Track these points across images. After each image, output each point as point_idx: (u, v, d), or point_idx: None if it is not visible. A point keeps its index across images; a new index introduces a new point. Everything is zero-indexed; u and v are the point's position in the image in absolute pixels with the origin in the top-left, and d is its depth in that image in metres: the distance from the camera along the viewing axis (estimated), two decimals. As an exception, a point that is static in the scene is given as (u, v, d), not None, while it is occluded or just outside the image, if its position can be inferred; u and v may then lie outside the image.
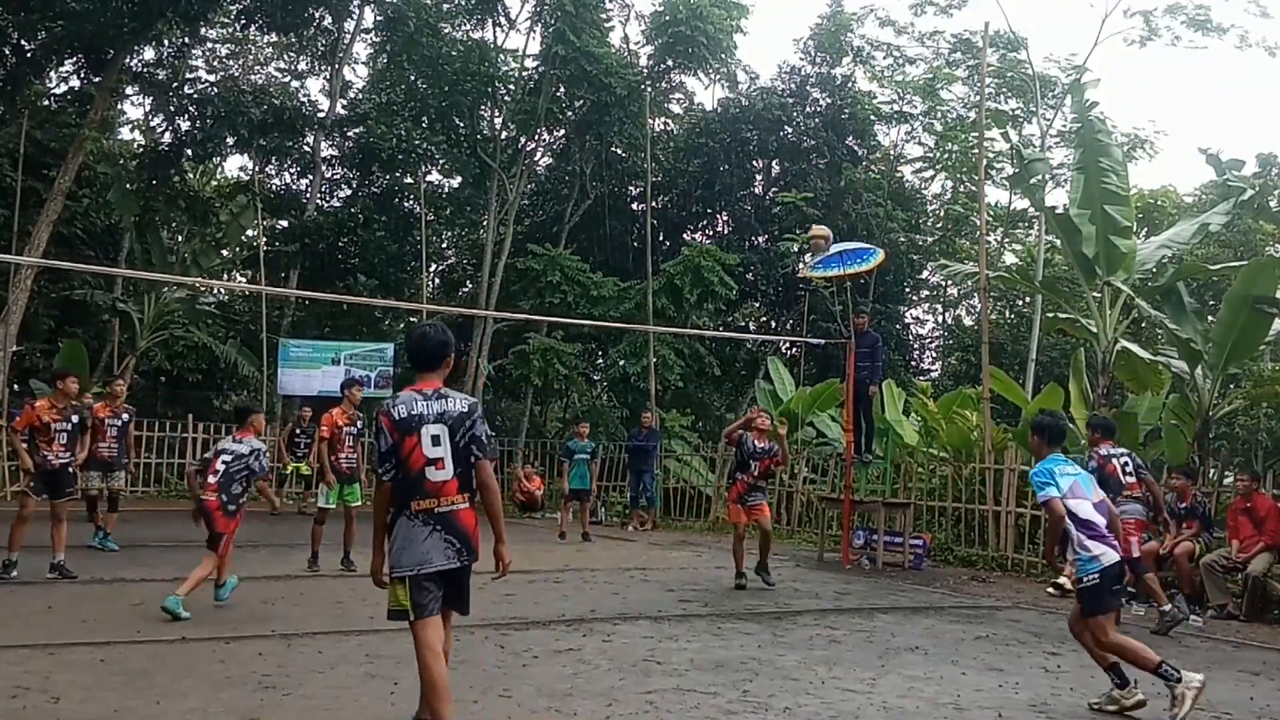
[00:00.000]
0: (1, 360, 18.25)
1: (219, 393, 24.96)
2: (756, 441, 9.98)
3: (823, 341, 17.29)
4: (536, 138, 24.06)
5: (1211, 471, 12.04)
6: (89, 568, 9.32)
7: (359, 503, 10.19)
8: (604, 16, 23.13)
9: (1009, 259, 27.51)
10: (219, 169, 28.37)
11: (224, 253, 25.76)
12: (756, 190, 26.36)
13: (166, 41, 22.04)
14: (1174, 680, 5.48)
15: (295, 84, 27.92)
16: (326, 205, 25.22)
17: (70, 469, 9.28)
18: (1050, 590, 10.57)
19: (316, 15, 22.50)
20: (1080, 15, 73.37)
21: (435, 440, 4.35)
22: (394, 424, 4.37)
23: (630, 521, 16.44)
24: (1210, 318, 14.26)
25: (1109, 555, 5.72)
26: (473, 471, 4.43)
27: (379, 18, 23.57)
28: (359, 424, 10.52)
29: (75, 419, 9.34)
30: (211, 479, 7.69)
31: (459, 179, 26.30)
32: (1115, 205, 12.61)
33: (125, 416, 11.39)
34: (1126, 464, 8.92)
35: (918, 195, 28.02)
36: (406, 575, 4.33)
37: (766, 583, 9.94)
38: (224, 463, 7.71)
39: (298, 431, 16.55)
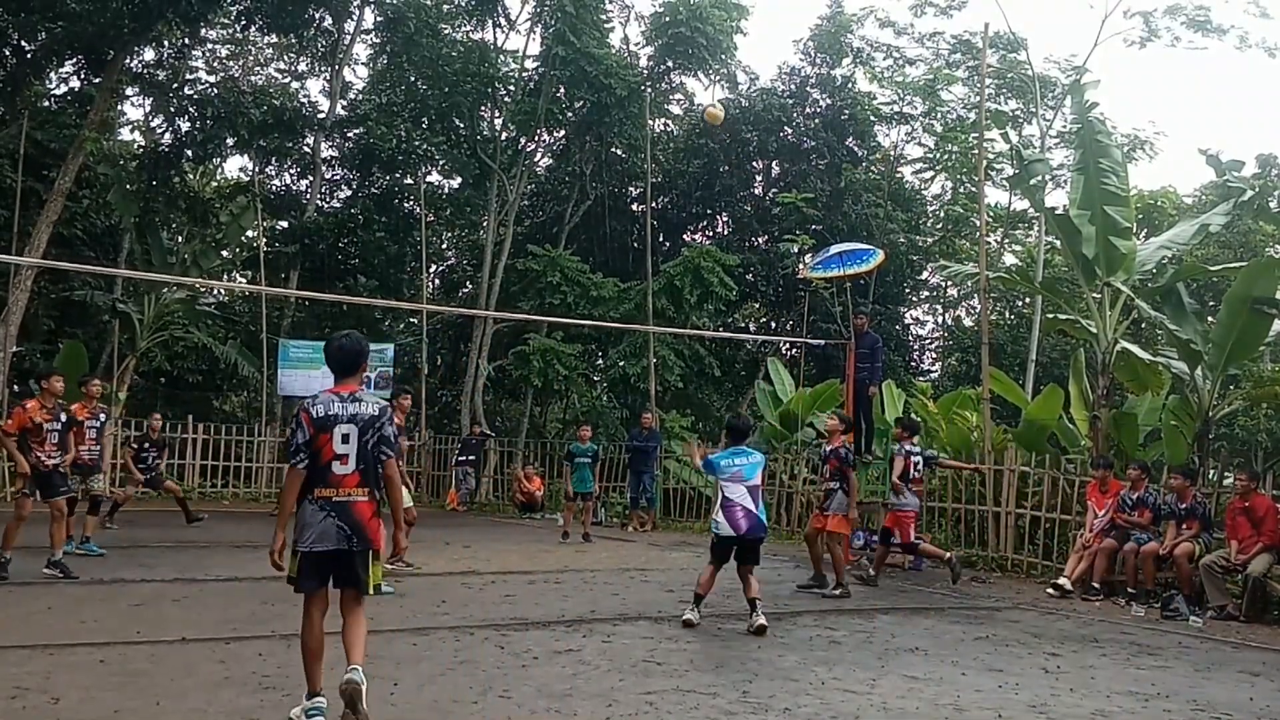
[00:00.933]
0: (1, 360, 18.25)
1: (219, 393, 24.99)
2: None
3: (823, 342, 17.29)
4: (536, 138, 24.08)
5: (1211, 472, 12.03)
6: (89, 568, 9.33)
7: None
8: (604, 17, 23.15)
9: (1009, 260, 27.52)
10: (219, 170, 28.42)
11: (224, 253, 25.77)
12: (756, 191, 26.38)
13: (166, 42, 22.07)
14: (692, 608, 7.84)
15: (295, 85, 27.99)
16: (326, 206, 25.24)
17: (61, 469, 9.25)
18: (1050, 591, 10.57)
19: (316, 16, 22.51)
20: (1080, 16, 73.48)
21: (344, 438, 4.83)
22: (312, 420, 4.83)
23: (630, 522, 16.44)
24: (1210, 318, 14.25)
25: (725, 529, 7.80)
26: (379, 468, 4.92)
27: (379, 18, 23.62)
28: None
29: (64, 418, 9.30)
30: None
31: (459, 180, 26.32)
32: (1115, 206, 12.61)
33: (103, 418, 11.17)
34: (918, 462, 10.85)
35: (918, 196, 28.03)
36: (300, 551, 4.88)
37: (830, 594, 9.79)
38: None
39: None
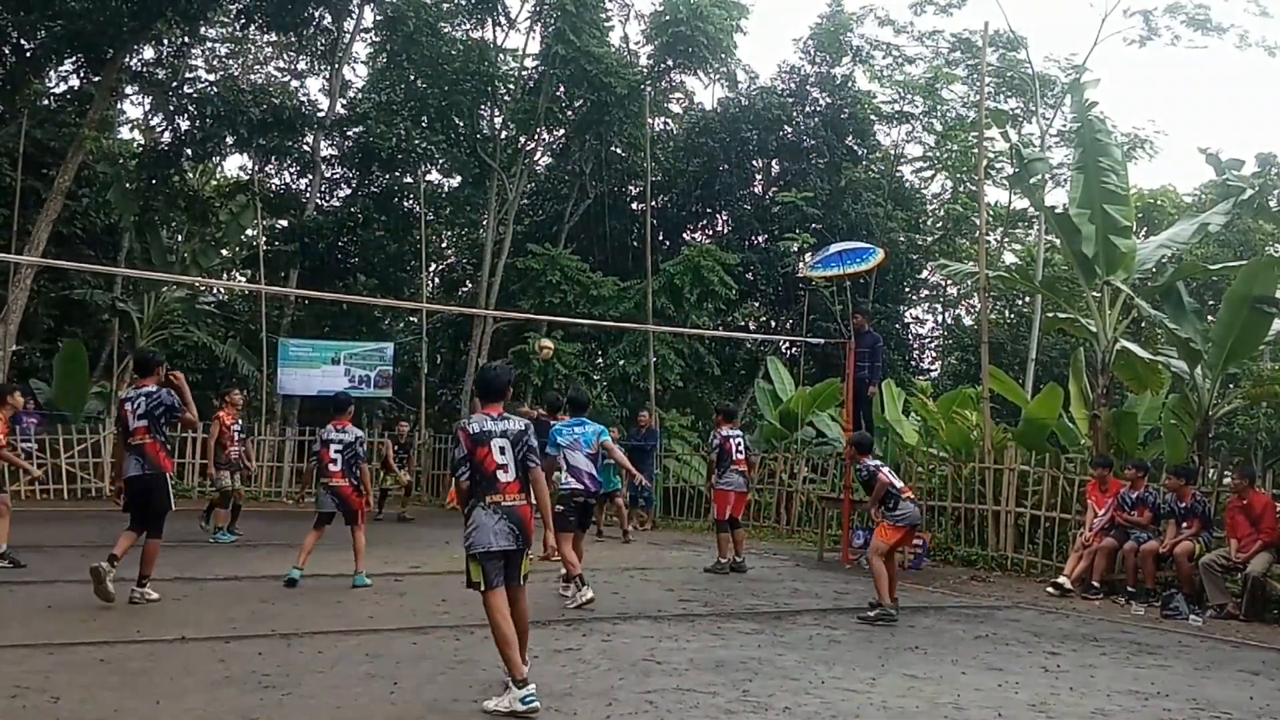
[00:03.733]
0: (1, 360, 18.25)
1: (218, 393, 24.98)
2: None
3: (822, 341, 17.28)
4: (536, 137, 24.08)
5: (1211, 471, 12.02)
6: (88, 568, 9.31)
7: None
8: (604, 16, 23.16)
9: (1009, 259, 27.54)
10: (218, 168, 28.42)
11: (224, 252, 25.80)
12: (756, 190, 26.37)
13: (166, 41, 22.05)
14: (577, 587, 8.30)
15: (295, 83, 28.00)
16: (326, 205, 25.23)
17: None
18: (1050, 590, 10.58)
19: (316, 15, 22.50)
20: (1080, 15, 73.44)
21: (501, 450, 5.46)
22: (470, 438, 5.47)
23: (630, 521, 16.45)
24: (1210, 317, 14.26)
25: (574, 486, 8.72)
26: (529, 475, 5.54)
27: (379, 17, 23.61)
28: None
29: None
30: (334, 467, 9.03)
31: (459, 178, 26.33)
32: (1115, 205, 12.60)
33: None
34: (740, 443, 11.21)
35: (917, 195, 28.04)
36: (478, 554, 5.36)
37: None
38: (337, 451, 9.04)
39: (396, 446, 16.87)
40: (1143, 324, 17.13)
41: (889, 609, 8.30)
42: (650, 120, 23.99)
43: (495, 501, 5.35)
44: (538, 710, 5.06)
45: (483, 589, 5.34)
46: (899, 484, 8.97)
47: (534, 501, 5.54)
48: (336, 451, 9.00)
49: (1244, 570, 9.58)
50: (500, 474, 5.39)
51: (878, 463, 9.27)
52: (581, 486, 8.73)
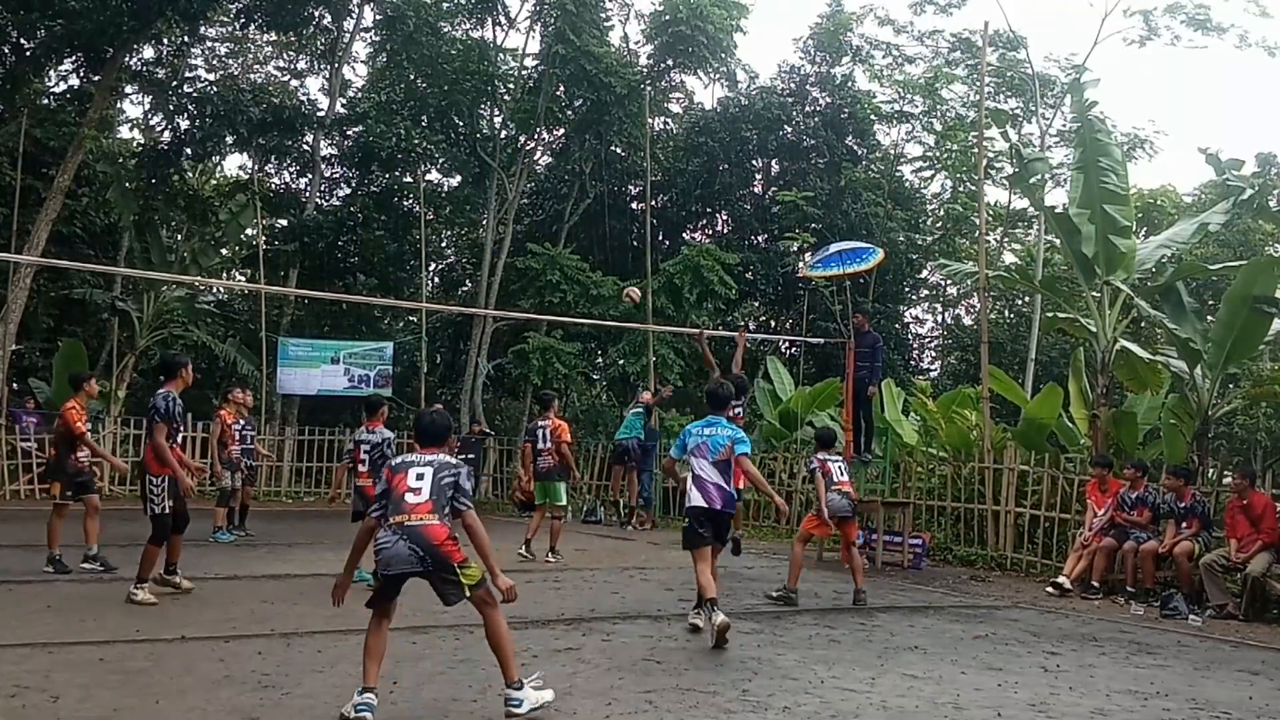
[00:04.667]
0: (1, 360, 18.25)
1: (218, 392, 24.96)
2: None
3: (822, 341, 17.30)
4: (536, 137, 24.07)
5: (1210, 471, 12.03)
6: (87, 567, 9.31)
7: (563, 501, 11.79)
8: (604, 16, 23.15)
9: (1009, 258, 27.55)
10: (218, 168, 28.42)
11: (223, 252, 25.77)
12: (756, 189, 26.37)
13: (166, 40, 22.05)
14: (706, 615, 7.13)
15: (295, 83, 28.01)
16: (326, 204, 25.22)
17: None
18: (1049, 589, 10.58)
19: (316, 14, 22.50)
20: (1080, 15, 73.41)
21: (419, 476, 5.14)
22: (389, 468, 5.25)
23: (629, 521, 16.44)
24: (1210, 317, 14.25)
25: (696, 499, 7.35)
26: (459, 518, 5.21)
27: (378, 17, 23.59)
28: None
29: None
30: (363, 468, 9.13)
31: (458, 178, 26.32)
32: (1115, 205, 12.61)
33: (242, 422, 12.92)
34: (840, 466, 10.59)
35: (917, 195, 28.03)
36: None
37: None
38: (365, 452, 9.22)
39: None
40: (1142, 324, 17.13)
41: (790, 593, 9.06)
42: (650, 120, 23.98)
43: (399, 522, 5.01)
44: None
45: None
46: (841, 477, 9.65)
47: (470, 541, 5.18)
48: (365, 452, 9.24)
49: (1244, 570, 9.59)
50: (409, 496, 5.06)
51: (824, 457, 9.80)
52: (703, 503, 7.29)
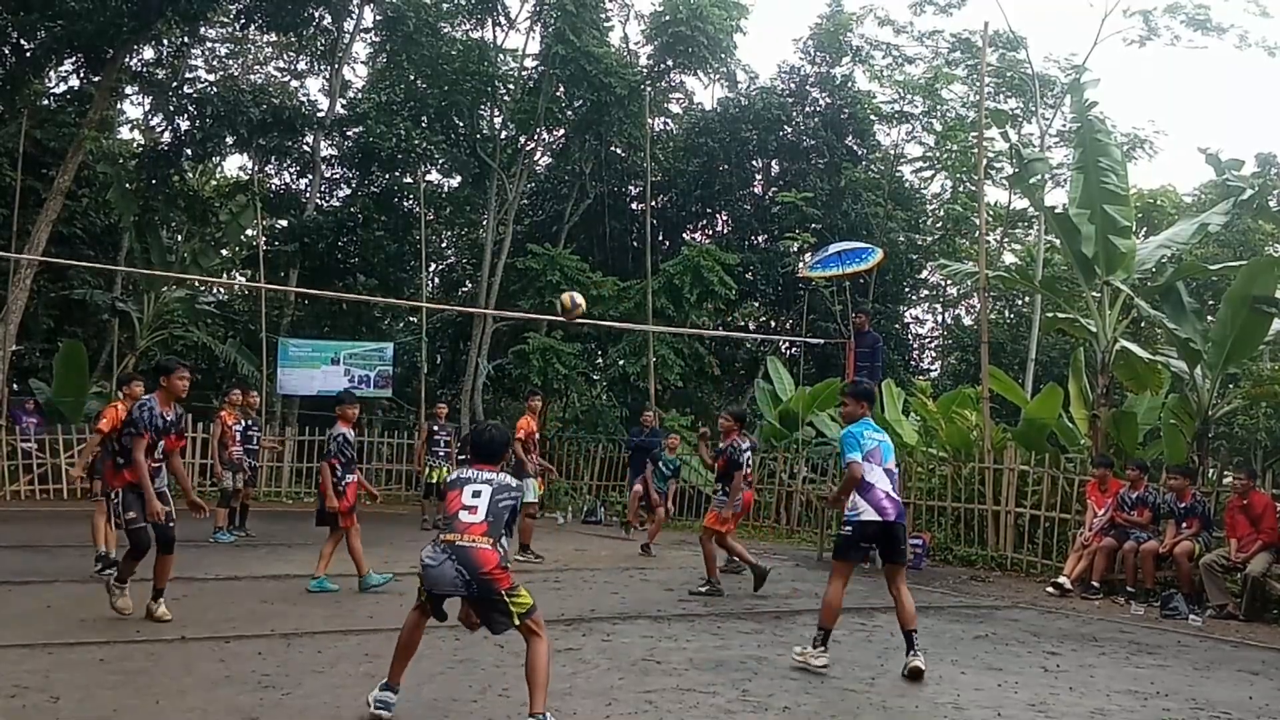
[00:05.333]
0: (1, 360, 18.25)
1: (218, 392, 24.97)
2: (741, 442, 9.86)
3: (822, 341, 17.29)
4: (536, 137, 24.07)
5: (1210, 471, 12.03)
6: (87, 567, 9.31)
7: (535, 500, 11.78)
8: (604, 16, 23.14)
9: (1009, 259, 27.53)
10: (218, 168, 28.42)
11: (223, 252, 25.79)
12: (756, 190, 26.36)
13: (166, 41, 22.05)
14: (818, 644, 6.48)
15: (295, 83, 28.00)
16: (326, 205, 25.22)
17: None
18: (1049, 590, 10.58)
19: (316, 15, 22.49)
20: (1080, 15, 73.39)
21: (475, 494, 5.04)
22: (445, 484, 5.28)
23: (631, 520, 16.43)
24: (1210, 317, 14.26)
25: (870, 514, 6.52)
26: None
27: (378, 17, 23.60)
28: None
29: None
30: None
31: (458, 178, 26.32)
32: (1115, 205, 12.61)
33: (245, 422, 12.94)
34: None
35: (917, 195, 28.01)
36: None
37: (696, 591, 9.48)
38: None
39: (434, 429, 15.97)
40: (1142, 324, 17.13)
41: (715, 584, 9.56)
42: (650, 120, 23.98)
43: (449, 540, 4.94)
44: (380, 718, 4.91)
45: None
46: (745, 470, 9.80)
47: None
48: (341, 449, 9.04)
49: (1244, 570, 9.59)
50: (464, 514, 4.98)
51: (746, 445, 9.92)
52: (877, 516, 6.52)
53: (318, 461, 19.95)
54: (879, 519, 6.50)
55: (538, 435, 11.82)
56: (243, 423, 12.85)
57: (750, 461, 10.30)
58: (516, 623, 4.86)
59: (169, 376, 7.48)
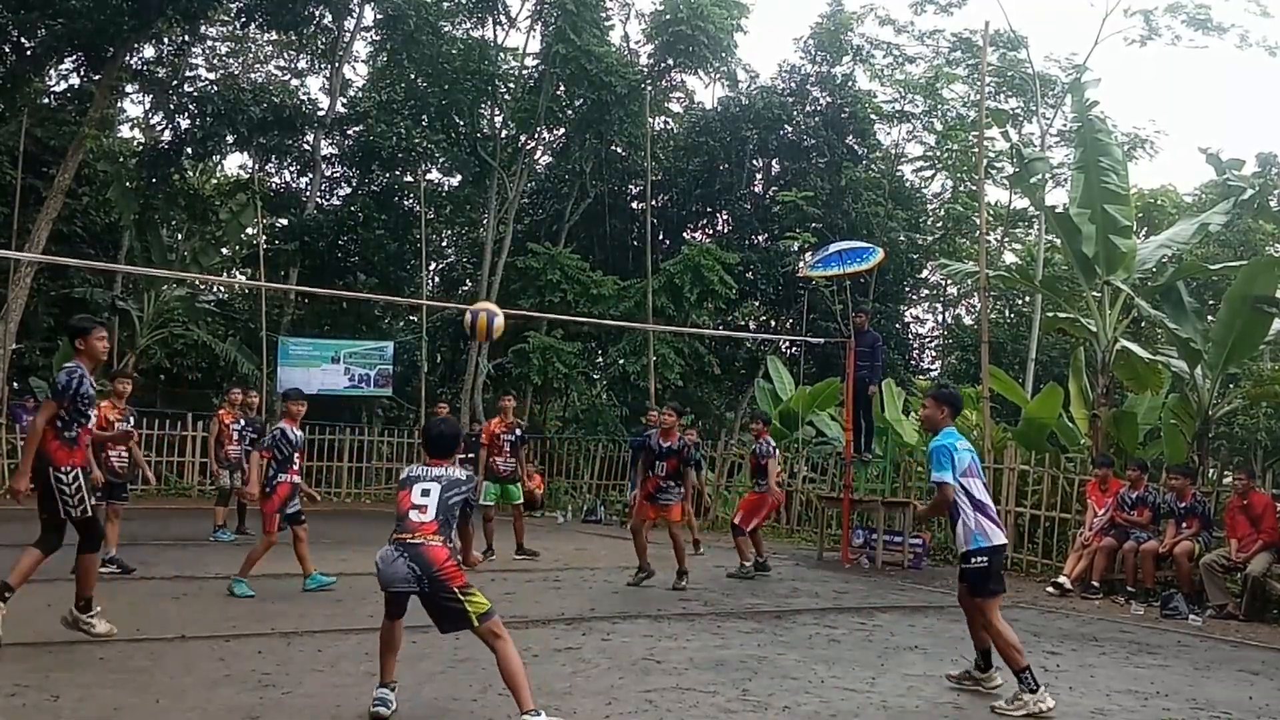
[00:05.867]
0: (1, 358, 18.24)
1: (219, 391, 24.98)
2: (662, 441, 9.85)
3: (822, 340, 17.28)
4: (536, 136, 24.06)
5: (1211, 471, 12.04)
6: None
7: (520, 501, 11.63)
8: (604, 15, 23.12)
9: (1009, 258, 27.55)
10: (219, 167, 28.37)
11: (224, 251, 25.76)
12: (756, 189, 26.36)
13: (166, 39, 22.01)
14: (1029, 689, 5.61)
15: (295, 82, 27.92)
16: (326, 203, 25.21)
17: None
18: (1049, 589, 10.58)
19: (316, 13, 22.47)
20: (1080, 14, 73.36)
21: (424, 493, 5.09)
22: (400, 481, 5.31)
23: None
24: (1210, 317, 14.26)
25: (996, 535, 5.87)
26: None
27: (379, 16, 23.56)
28: (517, 431, 11.58)
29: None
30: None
31: (459, 177, 26.28)
32: (1115, 205, 12.62)
33: (243, 421, 12.61)
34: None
35: (918, 194, 28.01)
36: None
37: (678, 587, 9.66)
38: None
39: None
40: (1143, 324, 17.13)
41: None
42: (650, 119, 23.97)
43: (401, 539, 4.97)
44: (381, 717, 4.91)
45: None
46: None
47: (454, 544, 5.13)
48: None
49: (1244, 570, 9.59)
50: (414, 514, 5.02)
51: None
52: (1004, 538, 6.01)
53: (317, 460, 20.15)
54: (1004, 539, 5.98)
55: (519, 434, 11.68)
56: (240, 421, 12.77)
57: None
58: (475, 624, 4.86)
59: (86, 338, 6.49)
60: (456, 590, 4.88)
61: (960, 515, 5.85)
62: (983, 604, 5.87)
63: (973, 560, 5.85)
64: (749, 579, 10.55)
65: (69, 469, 6.31)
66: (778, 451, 11.54)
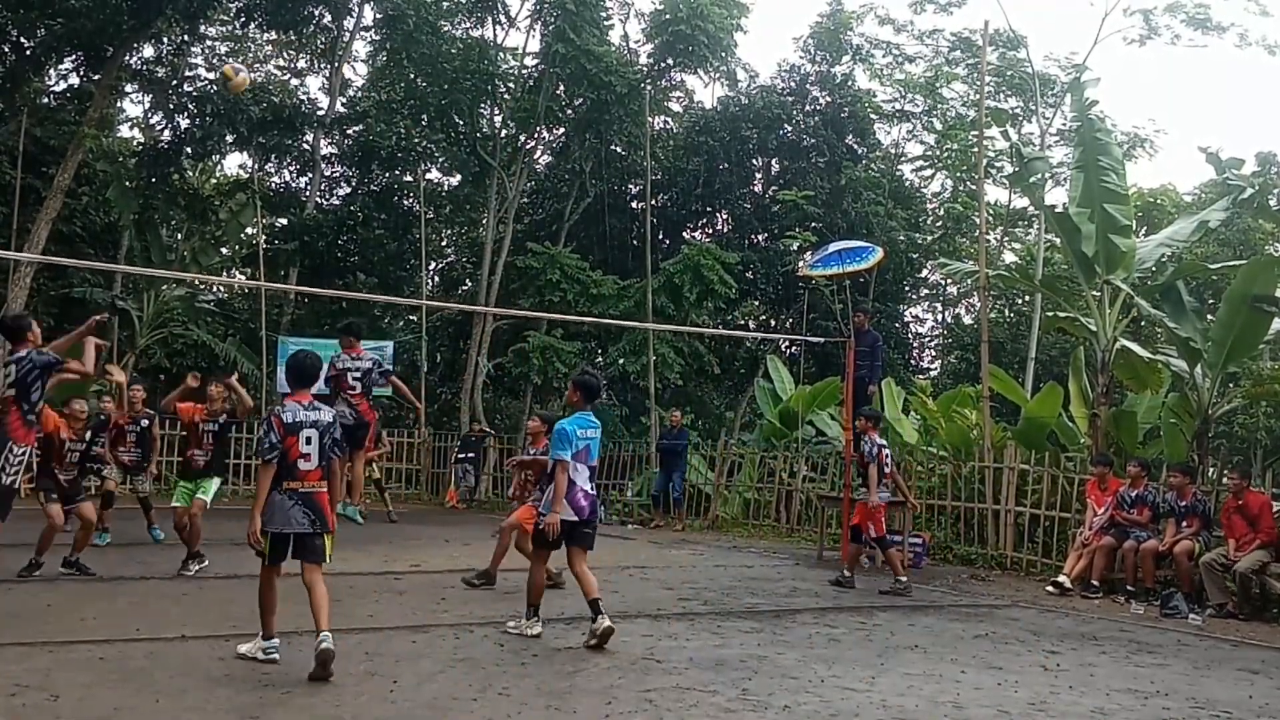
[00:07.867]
0: (0, 358, 18.23)
1: (219, 391, 24.95)
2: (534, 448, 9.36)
3: (822, 340, 17.28)
4: (536, 136, 24.05)
5: (1211, 470, 12.02)
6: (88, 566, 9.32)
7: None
8: (604, 15, 23.11)
9: (1009, 258, 27.52)
10: (218, 167, 28.38)
11: (223, 251, 25.76)
12: (756, 188, 26.34)
13: (166, 39, 22.03)
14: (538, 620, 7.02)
15: (295, 82, 27.98)
16: (326, 203, 25.22)
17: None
18: (1049, 589, 10.58)
19: (316, 13, 22.47)
20: (1080, 14, 73.34)
21: (308, 441, 5.82)
22: (282, 426, 5.77)
23: (654, 519, 16.45)
24: (1210, 316, 14.24)
25: (568, 513, 6.84)
26: (330, 465, 5.97)
27: (378, 15, 23.56)
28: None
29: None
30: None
31: (458, 177, 26.29)
32: (1115, 204, 12.61)
33: (144, 423, 12.40)
34: (888, 455, 10.58)
35: (918, 194, 28.02)
36: (271, 532, 5.79)
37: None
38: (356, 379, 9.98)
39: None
40: (1142, 323, 17.11)
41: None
42: (650, 119, 23.96)
43: (292, 488, 5.75)
44: (276, 661, 5.76)
45: (265, 563, 5.86)
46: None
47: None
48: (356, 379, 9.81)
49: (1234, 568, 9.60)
50: (302, 462, 5.78)
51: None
52: (575, 517, 6.88)
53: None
54: (574, 518, 6.96)
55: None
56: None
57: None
58: (328, 560, 5.89)
59: (30, 330, 7.25)
60: (333, 530, 5.88)
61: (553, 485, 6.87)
62: (540, 553, 7.09)
63: (540, 519, 6.98)
64: (851, 588, 10.10)
65: (23, 448, 7.04)
66: (886, 452, 10.44)
